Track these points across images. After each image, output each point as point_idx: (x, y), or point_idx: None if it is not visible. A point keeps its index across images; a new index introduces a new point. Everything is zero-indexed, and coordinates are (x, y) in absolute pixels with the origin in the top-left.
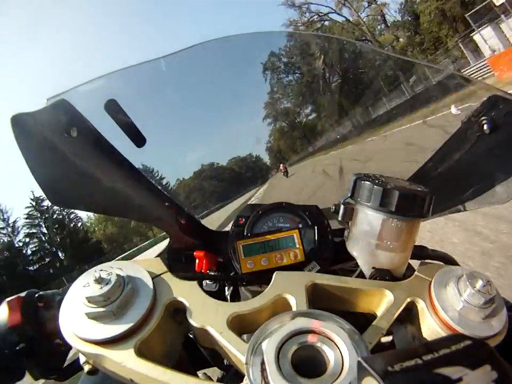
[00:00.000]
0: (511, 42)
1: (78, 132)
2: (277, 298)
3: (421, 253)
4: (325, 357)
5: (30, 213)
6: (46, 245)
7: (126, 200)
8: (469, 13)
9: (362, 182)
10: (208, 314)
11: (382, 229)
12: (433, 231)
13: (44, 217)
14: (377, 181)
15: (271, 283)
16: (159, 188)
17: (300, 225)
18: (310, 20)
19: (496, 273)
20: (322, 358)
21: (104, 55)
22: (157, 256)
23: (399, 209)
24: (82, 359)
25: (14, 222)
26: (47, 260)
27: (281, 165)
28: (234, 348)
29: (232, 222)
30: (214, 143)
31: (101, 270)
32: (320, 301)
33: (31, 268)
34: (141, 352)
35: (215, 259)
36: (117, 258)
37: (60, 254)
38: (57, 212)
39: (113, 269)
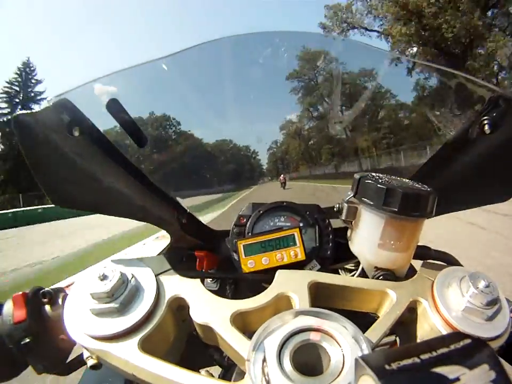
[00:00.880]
0: None
1: (80, 131)
2: (279, 297)
3: (423, 253)
4: (326, 355)
5: None
6: None
7: (127, 199)
8: None
9: (366, 181)
10: (211, 312)
11: (385, 228)
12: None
13: None
14: (380, 180)
15: (273, 281)
16: (161, 187)
17: (301, 224)
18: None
19: None
20: (323, 356)
21: None
22: (158, 255)
23: (402, 209)
24: (85, 354)
25: None
26: None
27: (282, 176)
28: (237, 345)
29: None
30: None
31: (105, 267)
32: (322, 299)
33: None
34: (144, 348)
35: (216, 258)
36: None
37: None
38: None
39: (117, 265)
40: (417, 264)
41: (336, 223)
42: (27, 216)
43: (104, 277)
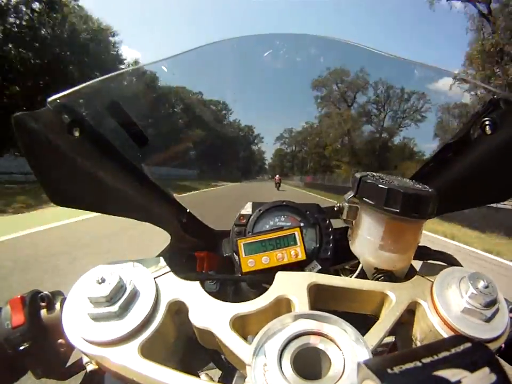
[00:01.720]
0: None
1: (81, 132)
2: (278, 299)
3: (423, 253)
4: (327, 359)
5: None
6: None
7: (127, 199)
8: None
9: (367, 181)
10: (211, 315)
11: (386, 229)
12: None
13: None
14: (381, 180)
15: (273, 284)
16: (161, 187)
17: (302, 224)
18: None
19: None
20: (324, 360)
21: None
22: (157, 256)
23: (403, 210)
24: (85, 359)
25: None
26: None
27: (277, 176)
28: (237, 349)
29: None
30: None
31: (103, 271)
32: (322, 301)
33: None
34: (144, 353)
35: (216, 258)
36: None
37: None
38: None
39: (115, 269)
40: (417, 264)
41: (336, 223)
42: None
43: (102, 281)
